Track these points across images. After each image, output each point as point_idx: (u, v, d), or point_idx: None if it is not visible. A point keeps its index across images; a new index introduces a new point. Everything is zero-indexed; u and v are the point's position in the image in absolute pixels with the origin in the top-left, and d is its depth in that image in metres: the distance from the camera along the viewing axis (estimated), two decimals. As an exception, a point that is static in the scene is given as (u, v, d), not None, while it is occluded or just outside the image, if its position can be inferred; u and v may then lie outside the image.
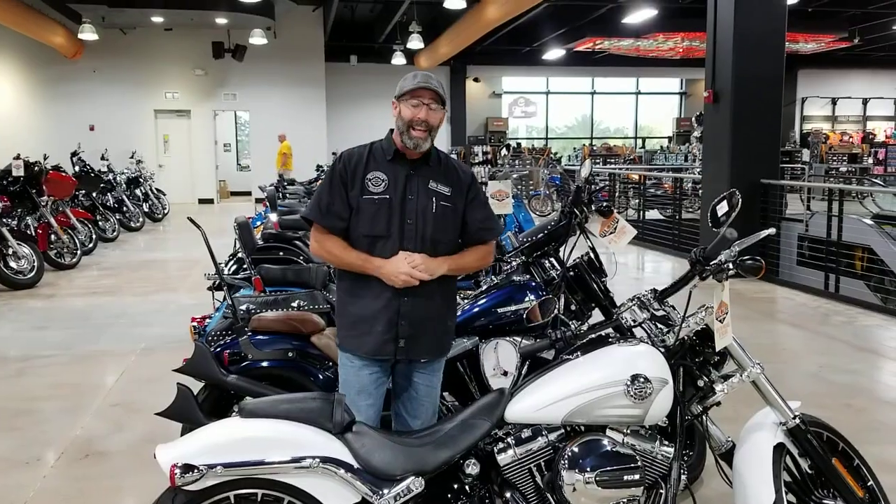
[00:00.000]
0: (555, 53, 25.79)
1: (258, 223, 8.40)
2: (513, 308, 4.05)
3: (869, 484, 3.11)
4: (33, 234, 11.08)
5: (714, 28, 10.61)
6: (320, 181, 3.38)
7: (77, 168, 16.93)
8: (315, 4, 22.66)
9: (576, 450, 2.67)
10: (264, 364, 3.95)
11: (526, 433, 2.74)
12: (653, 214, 16.18)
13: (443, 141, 27.00)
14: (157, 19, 20.64)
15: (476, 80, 28.69)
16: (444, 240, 3.21)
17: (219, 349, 3.97)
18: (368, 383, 3.21)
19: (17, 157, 11.37)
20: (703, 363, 2.97)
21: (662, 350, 2.84)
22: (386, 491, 2.53)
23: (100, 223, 14.54)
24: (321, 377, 3.94)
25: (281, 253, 6.61)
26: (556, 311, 3.86)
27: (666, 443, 2.75)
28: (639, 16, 19.38)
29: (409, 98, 3.14)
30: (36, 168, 11.61)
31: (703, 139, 11.84)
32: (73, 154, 17.71)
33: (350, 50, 25.00)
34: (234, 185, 25.47)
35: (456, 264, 3.25)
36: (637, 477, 2.65)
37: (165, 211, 19.04)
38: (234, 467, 2.46)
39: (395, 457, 2.59)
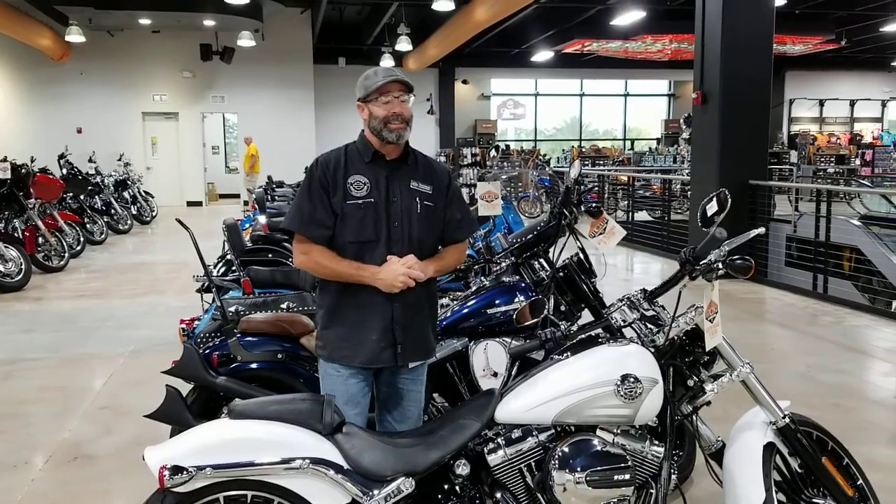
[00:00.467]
0: (543, 55, 25.83)
1: (247, 225, 8.39)
2: (502, 309, 4.04)
3: (858, 483, 3.12)
4: (20, 236, 11.03)
5: (702, 30, 10.64)
6: (298, 190, 3.25)
7: (64, 170, 16.90)
8: (303, 6, 22.62)
9: (566, 450, 2.67)
10: (253, 366, 3.94)
11: (516, 433, 2.74)
12: (642, 216, 16.21)
13: (431, 143, 27.02)
14: (145, 21, 20.57)
15: (465, 82, 28.71)
16: (428, 240, 3.18)
17: (208, 351, 3.95)
18: (356, 392, 3.16)
19: (4, 160, 11.32)
20: (692, 363, 2.97)
21: (652, 350, 2.85)
22: (376, 492, 2.52)
23: (87, 226, 14.49)
24: (310, 379, 3.93)
25: (270, 255, 6.60)
26: (545, 312, 3.86)
27: (656, 443, 2.76)
28: (627, 18, 19.41)
29: (379, 96, 3.07)
30: (23, 171, 11.58)
31: (692, 140, 11.88)
32: (61, 156, 17.66)
33: (338, 52, 24.98)
34: (222, 188, 25.38)
35: (440, 265, 3.22)
36: (627, 477, 2.65)
37: (154, 213, 18.98)
38: (224, 469, 2.45)
39: (385, 458, 2.58)
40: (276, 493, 2.52)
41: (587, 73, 29.51)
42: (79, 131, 22.15)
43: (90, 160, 19.23)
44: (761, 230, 3.11)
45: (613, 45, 23.64)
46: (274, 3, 20.50)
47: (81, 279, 11.33)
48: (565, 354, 2.84)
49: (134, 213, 17.90)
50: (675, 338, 2.91)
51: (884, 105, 32.04)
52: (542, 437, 2.73)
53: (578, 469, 2.63)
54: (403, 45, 20.02)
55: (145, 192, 19.14)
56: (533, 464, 2.73)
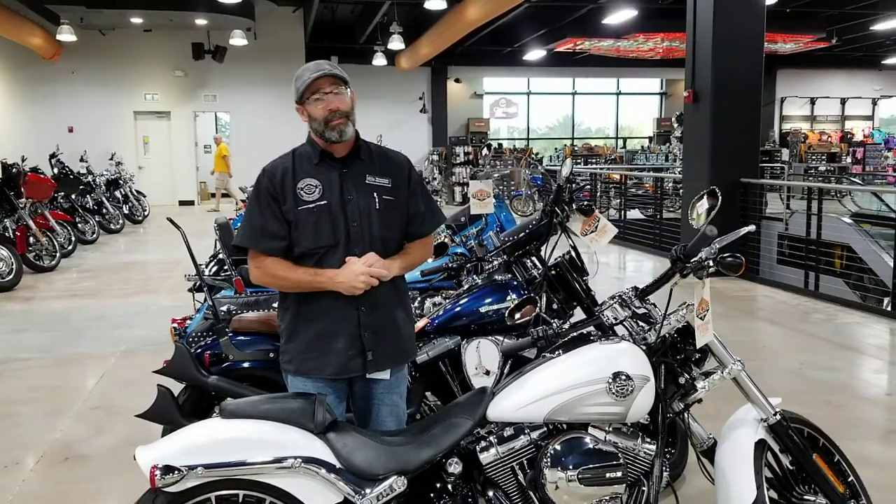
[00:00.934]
0: (536, 54, 25.83)
1: (239, 224, 8.37)
2: (495, 307, 4.05)
3: (849, 479, 3.13)
4: (11, 236, 10.99)
5: (693, 29, 10.66)
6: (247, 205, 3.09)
7: (56, 170, 16.86)
8: (295, 5, 22.58)
9: (558, 448, 2.67)
10: (245, 365, 3.93)
11: (508, 432, 2.74)
12: (634, 214, 16.24)
13: (424, 142, 26.99)
14: (136, 20, 20.49)
15: (457, 80, 28.66)
16: (392, 237, 3.01)
17: (199, 350, 3.95)
18: (336, 398, 3.00)
19: (-5, 159, 11.29)
20: (684, 360, 2.97)
21: (644, 347, 2.85)
22: (368, 490, 2.53)
23: (79, 225, 14.46)
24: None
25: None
26: (538, 310, 3.86)
27: (648, 440, 2.76)
28: (619, 16, 19.43)
29: (311, 95, 2.92)
30: (14, 170, 11.56)
31: (684, 139, 11.91)
32: (52, 156, 17.61)
33: (331, 51, 24.87)
34: (214, 187, 25.32)
35: (405, 262, 3.05)
36: (619, 474, 2.65)
37: (145, 213, 18.95)
38: (216, 468, 2.45)
39: (377, 456, 2.58)
40: (267, 493, 2.52)
41: (579, 71, 29.51)
42: (70, 130, 22.08)
43: (81, 159, 19.18)
44: (752, 227, 3.12)
45: (605, 43, 23.63)
46: (266, 1, 20.45)
47: (73, 279, 11.30)
48: (557, 352, 2.85)
49: (126, 212, 17.86)
50: (667, 335, 2.91)
51: (874, 103, 32.12)
52: (535, 435, 2.73)
53: (570, 467, 2.63)
54: (396, 43, 19.98)
55: (137, 191, 19.11)
56: (525, 462, 2.73)
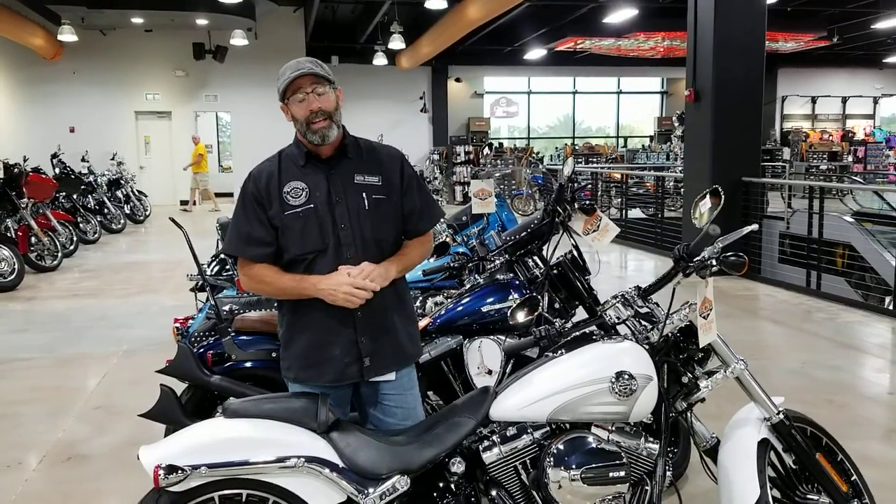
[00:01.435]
0: (536, 53, 25.82)
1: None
2: (497, 307, 4.05)
3: (853, 478, 3.12)
4: (13, 236, 11.00)
5: (694, 27, 10.65)
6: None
7: (57, 170, 16.86)
8: (296, 5, 22.58)
9: (561, 447, 2.67)
10: (248, 364, 3.93)
11: (511, 431, 2.73)
12: (635, 213, 16.23)
13: (425, 141, 26.98)
14: (137, 20, 20.50)
15: (458, 80, 28.65)
16: (386, 238, 2.90)
17: (202, 350, 3.95)
18: (336, 406, 2.83)
19: (-4, 159, 11.30)
20: (687, 360, 2.97)
21: (646, 347, 2.84)
22: (371, 490, 2.52)
23: (81, 225, 14.46)
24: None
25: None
26: (540, 309, 3.86)
27: (651, 439, 2.76)
28: (619, 15, 19.43)
29: (292, 94, 2.82)
30: (16, 170, 11.56)
31: (685, 138, 11.89)
32: (54, 156, 17.62)
33: (331, 51, 24.88)
34: (216, 187, 25.30)
35: (403, 263, 2.94)
36: (622, 474, 2.65)
37: (147, 213, 18.96)
38: (219, 468, 2.44)
39: (380, 456, 2.58)
40: (271, 492, 2.52)
41: (580, 70, 29.50)
42: (71, 130, 22.08)
43: (83, 159, 19.19)
44: (754, 227, 3.12)
45: (606, 42, 23.64)
46: (267, 1, 20.46)
47: (75, 279, 11.30)
48: (560, 352, 2.84)
49: (127, 212, 17.88)
50: (670, 335, 2.91)
51: (875, 102, 32.10)
52: (537, 434, 2.72)
53: (573, 466, 2.63)
54: (396, 43, 19.98)
55: (138, 191, 19.12)
56: (528, 461, 2.72)
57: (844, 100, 31.74)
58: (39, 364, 6.99)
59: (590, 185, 16.80)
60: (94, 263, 12.68)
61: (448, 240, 5.37)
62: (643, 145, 29.61)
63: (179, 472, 2.40)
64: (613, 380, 2.67)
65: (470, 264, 4.62)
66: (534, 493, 2.70)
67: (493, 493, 2.71)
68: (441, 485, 2.73)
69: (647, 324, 2.99)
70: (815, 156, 26.57)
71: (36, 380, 6.55)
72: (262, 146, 22.44)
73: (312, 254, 2.82)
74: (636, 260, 12.97)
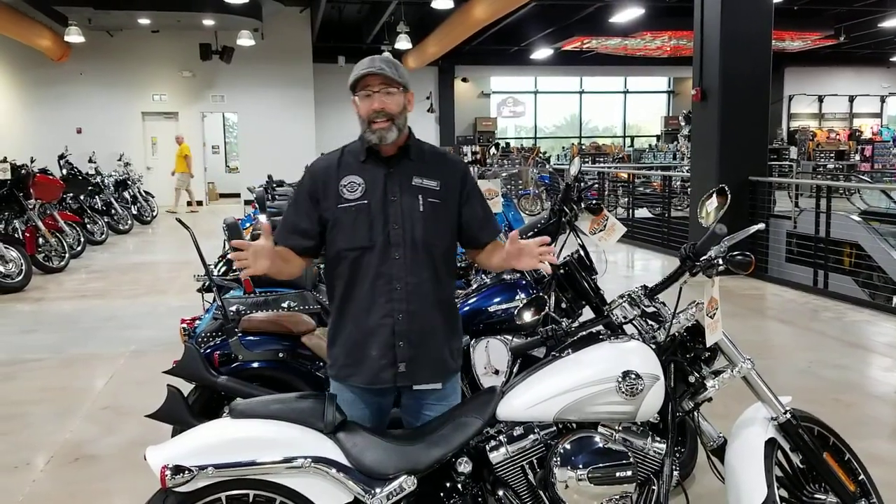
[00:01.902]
0: (543, 53, 25.82)
1: (247, 224, 8.38)
2: (503, 306, 4.05)
3: (860, 478, 3.11)
4: (21, 237, 11.04)
5: (701, 27, 10.64)
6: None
7: (64, 171, 16.91)
8: (302, 5, 22.62)
9: (568, 447, 2.67)
10: (255, 365, 3.94)
11: (518, 431, 2.73)
12: (642, 213, 16.21)
13: (432, 141, 26.72)
14: (144, 21, 20.56)
15: (464, 80, 28.69)
16: (437, 243, 2.85)
17: (209, 350, 3.96)
18: (366, 417, 2.88)
19: (4, 161, 11.32)
20: (693, 359, 2.97)
21: (653, 346, 2.84)
22: (378, 490, 2.52)
23: (88, 226, 14.49)
24: (312, 378, 3.93)
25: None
26: (546, 309, 3.86)
27: (658, 439, 2.75)
28: (626, 15, 19.42)
29: (360, 90, 2.78)
30: (23, 171, 11.59)
31: (692, 137, 11.87)
32: (61, 157, 17.67)
33: (338, 51, 24.94)
34: (222, 188, 25.39)
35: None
36: (629, 473, 2.65)
37: (154, 213, 18.99)
38: (226, 468, 2.45)
39: (387, 456, 2.58)
40: (278, 492, 2.52)
41: (586, 70, 29.52)
42: (79, 131, 22.14)
43: (90, 160, 19.22)
44: (761, 226, 3.11)
45: (612, 42, 23.64)
46: (273, 2, 20.51)
47: (82, 279, 11.33)
48: (566, 351, 2.84)
49: (134, 213, 17.91)
50: (676, 334, 2.91)
51: (883, 101, 32.04)
52: (544, 434, 2.72)
53: (580, 466, 2.62)
54: (403, 43, 20.00)
55: (145, 191, 19.15)
56: (535, 461, 2.72)
57: (851, 99, 31.68)
58: (47, 364, 7.01)
59: (597, 185, 16.78)
60: (101, 264, 12.71)
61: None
62: (650, 145, 29.61)
63: (186, 472, 2.40)
64: (620, 379, 2.67)
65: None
66: (541, 492, 2.69)
67: (500, 492, 2.71)
68: (448, 485, 2.72)
69: (653, 323, 2.98)
70: (822, 155, 26.52)
71: (44, 380, 6.57)
72: (268, 147, 22.49)
73: (359, 250, 2.80)
74: (643, 259, 12.95)
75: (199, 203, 22.45)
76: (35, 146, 18.95)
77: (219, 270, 6.57)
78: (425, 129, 26.93)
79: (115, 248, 14.77)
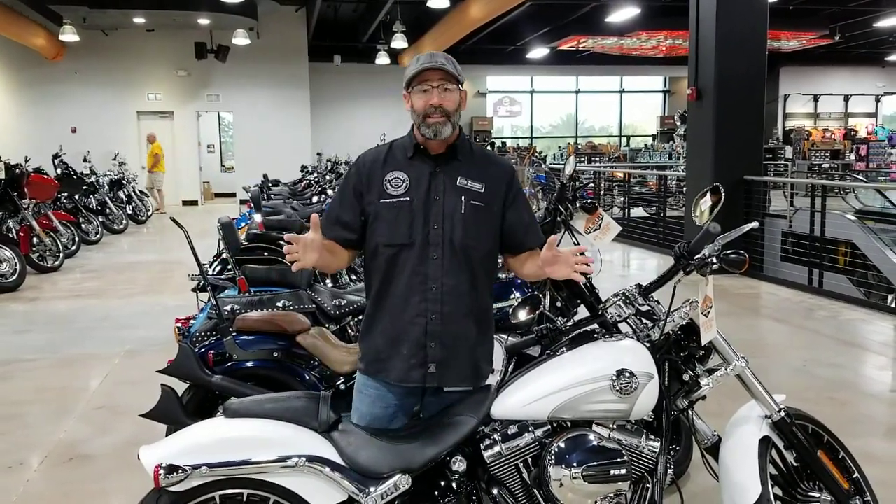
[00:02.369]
0: (539, 52, 25.82)
1: (242, 224, 8.38)
2: (498, 305, 4.04)
3: (854, 476, 3.12)
4: (15, 236, 10.99)
5: (696, 26, 10.65)
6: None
7: (59, 170, 16.87)
8: (298, 4, 22.58)
9: (562, 445, 2.67)
10: (249, 364, 3.94)
11: (512, 429, 2.73)
12: (637, 212, 16.23)
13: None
14: (139, 20, 20.51)
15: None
16: (477, 246, 2.80)
17: (203, 350, 3.96)
18: (389, 415, 2.87)
19: (-2, 160, 11.30)
20: (688, 357, 2.97)
21: (647, 345, 2.85)
22: (372, 489, 2.52)
23: (83, 225, 14.45)
24: (306, 377, 3.94)
25: (265, 253, 6.58)
26: (541, 308, 3.86)
27: (652, 437, 2.75)
28: (622, 14, 19.42)
29: (417, 84, 2.77)
30: (17, 170, 11.55)
31: (687, 136, 11.89)
32: (55, 156, 17.62)
33: (334, 50, 24.91)
34: (218, 187, 25.35)
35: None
36: (624, 471, 2.65)
37: (149, 213, 18.96)
38: (220, 467, 2.44)
39: (381, 454, 2.58)
40: (272, 492, 2.51)
41: (582, 69, 29.51)
42: (73, 131, 22.08)
43: (85, 160, 19.19)
44: (755, 224, 3.12)
45: (608, 41, 23.65)
46: (269, 1, 20.46)
47: (77, 279, 11.31)
48: (561, 350, 2.84)
49: (129, 212, 17.86)
50: (670, 333, 2.91)
51: (877, 100, 32.08)
52: (539, 432, 2.72)
53: (575, 464, 2.63)
54: (399, 42, 19.98)
55: (140, 191, 19.12)
56: (529, 459, 2.72)
57: (846, 98, 31.72)
58: (42, 364, 6.99)
59: (592, 184, 16.79)
60: (96, 264, 12.68)
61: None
62: (646, 144, 29.63)
63: (180, 471, 2.40)
64: (614, 378, 2.67)
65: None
66: (535, 491, 2.69)
67: (495, 491, 2.71)
68: (442, 483, 2.72)
69: (648, 322, 2.99)
70: (817, 154, 26.59)
71: (38, 380, 6.55)
72: (264, 146, 22.44)
73: (396, 247, 2.78)
74: (638, 258, 12.96)
75: (196, 202, 22.36)
76: (30, 145, 18.90)
77: (214, 270, 6.57)
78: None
79: (109, 247, 14.74)
